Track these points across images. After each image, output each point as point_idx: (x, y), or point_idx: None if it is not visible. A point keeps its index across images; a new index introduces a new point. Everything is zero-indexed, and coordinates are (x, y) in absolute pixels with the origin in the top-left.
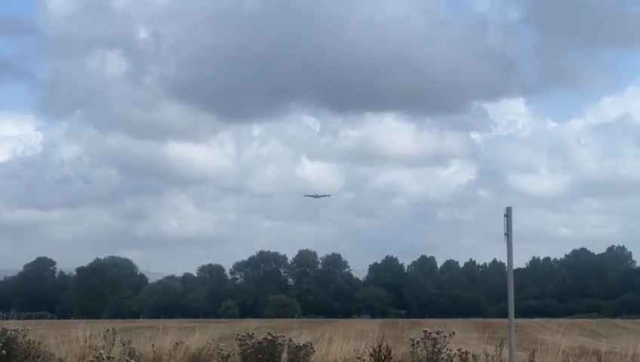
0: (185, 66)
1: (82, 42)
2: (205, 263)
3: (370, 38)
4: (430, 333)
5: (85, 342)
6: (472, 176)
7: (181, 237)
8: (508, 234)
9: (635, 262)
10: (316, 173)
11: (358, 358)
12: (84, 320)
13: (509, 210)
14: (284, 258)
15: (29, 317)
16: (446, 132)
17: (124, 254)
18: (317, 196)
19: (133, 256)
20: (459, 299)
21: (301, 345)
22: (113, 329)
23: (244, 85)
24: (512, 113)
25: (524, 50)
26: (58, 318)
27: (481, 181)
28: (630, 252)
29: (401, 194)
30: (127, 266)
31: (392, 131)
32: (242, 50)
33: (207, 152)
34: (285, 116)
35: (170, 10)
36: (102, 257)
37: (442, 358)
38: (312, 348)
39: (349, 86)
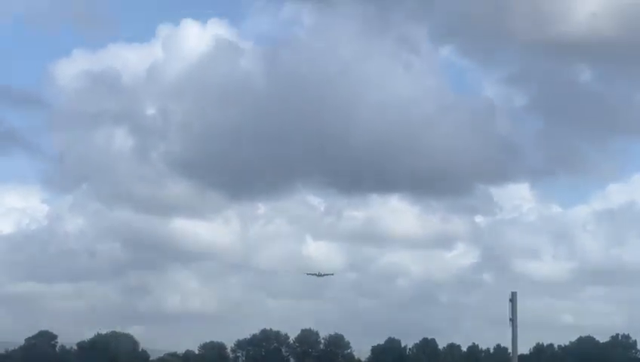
0: (191, 143)
1: (90, 116)
2: (207, 340)
3: (377, 120)
4: None
5: None
6: (475, 260)
7: (184, 313)
8: (513, 320)
9: (639, 351)
10: (320, 252)
11: None
12: None
13: (514, 294)
14: (286, 337)
15: None
16: (450, 215)
17: (126, 329)
18: (320, 275)
19: (135, 331)
20: None
21: None
22: None
23: (250, 163)
24: (518, 197)
25: (531, 136)
26: None
27: (485, 265)
28: (635, 341)
29: (404, 275)
30: (129, 342)
31: (397, 212)
32: (249, 129)
33: (212, 229)
34: (291, 195)
35: (179, 87)
36: (103, 332)
37: None
38: None
39: (355, 167)
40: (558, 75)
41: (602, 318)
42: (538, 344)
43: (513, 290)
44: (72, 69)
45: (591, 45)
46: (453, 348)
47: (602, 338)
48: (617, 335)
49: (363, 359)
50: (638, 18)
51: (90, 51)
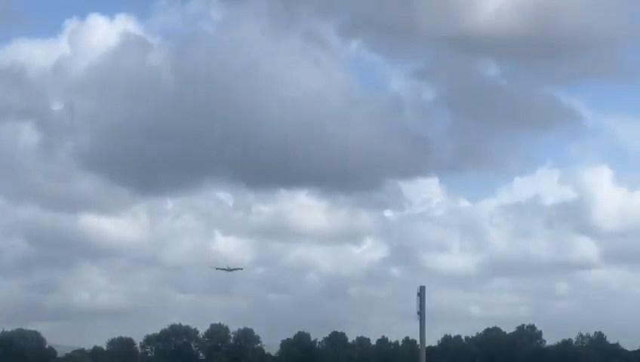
0: (99, 139)
1: None
2: (115, 336)
3: (285, 115)
4: None
5: None
6: (384, 254)
7: (92, 309)
8: (421, 313)
9: (544, 341)
10: (229, 247)
11: None
12: None
13: (422, 288)
14: (196, 332)
15: None
16: (359, 209)
17: (32, 326)
18: (229, 269)
19: (42, 328)
20: None
21: None
22: None
23: (158, 159)
24: (426, 191)
25: (439, 130)
26: None
27: (394, 259)
28: (540, 331)
29: (313, 270)
30: (35, 339)
31: (305, 207)
32: (157, 124)
33: (121, 225)
34: (199, 191)
35: (86, 83)
36: (8, 329)
37: None
38: None
39: (264, 162)
40: (466, 70)
41: (508, 309)
42: (446, 335)
43: (422, 284)
44: None
45: (497, 40)
46: (362, 341)
47: (509, 328)
48: (523, 325)
49: (273, 353)
50: (543, 14)
51: None
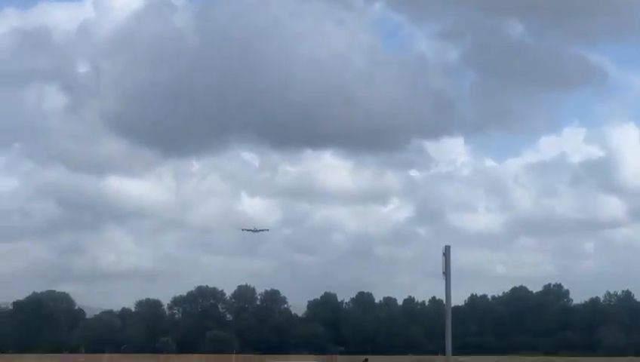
0: (125, 101)
1: (21, 75)
2: (143, 298)
3: (310, 76)
4: None
5: None
6: (410, 214)
7: (119, 271)
8: (446, 273)
9: (571, 300)
10: (255, 208)
11: None
12: (20, 355)
13: (447, 248)
14: (223, 293)
15: None
16: (385, 169)
17: (61, 288)
18: (255, 230)
19: (71, 290)
20: (397, 336)
21: None
22: None
23: (184, 120)
24: (452, 152)
25: (464, 90)
26: None
27: (420, 218)
28: (567, 290)
29: (339, 230)
30: (65, 300)
31: (331, 168)
32: (183, 86)
33: (147, 187)
34: (225, 152)
35: (111, 45)
36: (39, 291)
37: None
38: None
39: (289, 122)
40: (491, 29)
41: (535, 268)
42: (473, 295)
43: (447, 244)
44: (2, 27)
45: None
46: (389, 301)
47: (535, 288)
48: (550, 284)
49: (299, 314)
50: None
51: (21, 9)
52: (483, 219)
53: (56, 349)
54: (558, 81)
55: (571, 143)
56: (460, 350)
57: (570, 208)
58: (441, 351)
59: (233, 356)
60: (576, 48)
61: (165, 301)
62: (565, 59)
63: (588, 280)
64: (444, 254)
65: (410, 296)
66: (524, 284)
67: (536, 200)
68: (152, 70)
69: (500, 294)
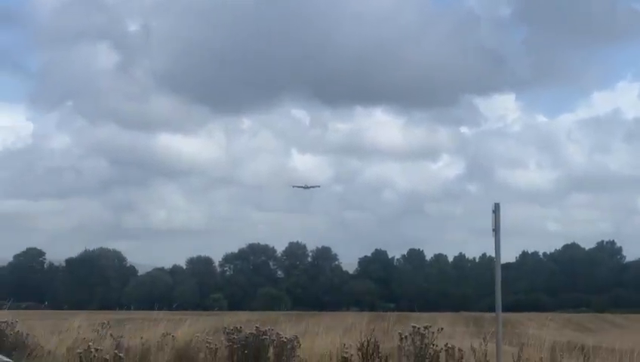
0: (175, 59)
1: (73, 34)
2: (194, 255)
3: (360, 32)
4: (418, 328)
5: (77, 333)
6: (461, 171)
7: (170, 228)
8: (496, 231)
9: (624, 257)
10: (306, 165)
11: (346, 352)
12: (73, 312)
13: (497, 206)
14: (274, 250)
15: (18, 308)
16: (436, 126)
17: (113, 245)
18: (306, 187)
19: (123, 247)
20: (448, 293)
21: (287, 339)
22: (108, 322)
23: (234, 77)
24: (503, 108)
25: (515, 46)
26: (48, 309)
27: (471, 175)
28: (620, 247)
29: (390, 187)
30: (116, 257)
31: (382, 124)
32: (233, 43)
33: (197, 144)
34: (275, 108)
35: (161, 3)
36: (91, 248)
37: (429, 353)
38: (297, 342)
39: (339, 79)
40: None
41: (587, 225)
42: (524, 252)
43: (498, 201)
44: None
45: None
46: (439, 258)
47: (588, 244)
48: (602, 241)
49: (350, 271)
50: None
51: None
52: (534, 175)
53: (108, 306)
54: (612, 35)
55: (625, 98)
56: (511, 307)
57: (623, 164)
58: (491, 308)
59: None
60: (629, 1)
61: (216, 258)
62: (619, 11)
63: None
64: (493, 211)
65: (460, 253)
66: (576, 241)
67: (589, 157)
68: (202, 27)
69: (552, 251)
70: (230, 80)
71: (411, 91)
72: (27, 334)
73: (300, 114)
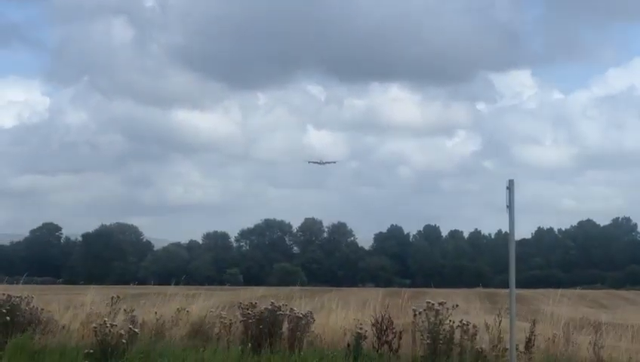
0: (191, 35)
1: (89, 9)
2: (210, 230)
3: (377, 9)
4: (433, 304)
5: (90, 308)
6: (477, 147)
7: (186, 204)
8: (510, 207)
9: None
10: (322, 141)
11: (359, 328)
12: (89, 286)
13: (511, 182)
14: (290, 226)
15: (34, 283)
16: (451, 102)
17: (129, 220)
18: (322, 163)
19: (139, 222)
20: (463, 269)
21: (301, 315)
22: (118, 296)
23: (250, 54)
24: (519, 84)
25: (531, 22)
26: (63, 284)
27: (486, 151)
28: (635, 223)
29: (405, 163)
30: (133, 232)
31: (398, 101)
32: (249, 20)
33: (213, 120)
34: (291, 85)
35: None
36: (107, 223)
37: (444, 329)
38: (312, 318)
39: (355, 55)
40: None
41: (603, 202)
42: (539, 228)
43: (513, 177)
44: None
45: None
46: (455, 234)
47: (603, 221)
48: (618, 218)
49: (366, 247)
50: None
51: None
52: (550, 152)
53: (124, 281)
54: (627, 11)
55: None
56: (525, 283)
57: (638, 141)
58: (507, 284)
59: (296, 288)
60: None
61: (232, 233)
62: None
63: None
64: (507, 188)
65: (476, 229)
66: (591, 218)
67: (605, 133)
68: (219, 3)
69: (567, 227)
70: (246, 56)
71: (427, 67)
72: (42, 309)
73: (315, 90)
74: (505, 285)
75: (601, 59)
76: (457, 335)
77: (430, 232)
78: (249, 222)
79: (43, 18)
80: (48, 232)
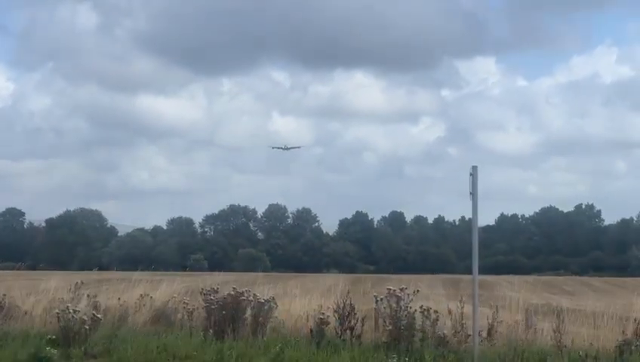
0: (156, 19)
1: None
2: (175, 216)
3: None
4: (394, 291)
5: (53, 294)
6: (441, 133)
7: (151, 189)
8: (473, 193)
9: (603, 220)
10: (286, 127)
11: (322, 314)
12: (52, 272)
13: (474, 168)
14: (254, 212)
15: None
16: (416, 88)
17: (94, 206)
18: (286, 148)
19: (103, 207)
20: (428, 255)
21: (264, 300)
22: (81, 282)
23: (214, 39)
24: (483, 71)
25: (496, 9)
26: (27, 269)
27: (451, 138)
28: (599, 210)
29: (370, 150)
30: (97, 218)
31: (362, 87)
32: (214, 5)
33: (178, 105)
34: (256, 70)
35: None
36: (71, 209)
37: (404, 315)
38: (275, 304)
39: (320, 41)
40: None
41: (566, 188)
42: (503, 214)
43: (478, 164)
44: None
45: None
46: (419, 220)
47: (566, 207)
48: (581, 204)
49: (331, 233)
50: None
51: None
52: (514, 138)
53: (88, 266)
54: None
55: (603, 62)
56: (489, 269)
57: (602, 128)
58: (471, 270)
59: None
60: None
61: (197, 219)
62: None
63: (620, 200)
64: (471, 174)
65: (440, 215)
66: (554, 204)
67: (568, 120)
68: None
69: (531, 214)
70: (211, 42)
71: (392, 54)
72: (4, 295)
73: (280, 76)
74: (469, 271)
75: (565, 46)
76: (419, 321)
77: (395, 218)
78: (214, 208)
79: (7, 2)
80: (12, 217)
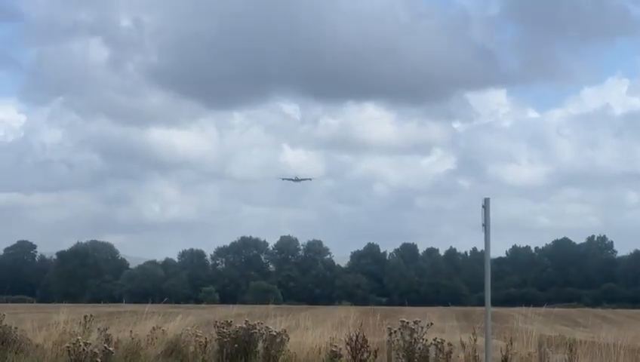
0: (167, 53)
1: (65, 29)
2: (186, 248)
3: (352, 28)
4: (407, 323)
5: (63, 327)
6: (452, 165)
7: (162, 222)
8: (485, 225)
9: (615, 251)
10: (297, 160)
11: (334, 346)
12: (63, 305)
13: (486, 201)
14: (266, 244)
15: (7, 301)
16: (427, 121)
17: (105, 238)
18: (297, 179)
19: (115, 240)
20: (440, 287)
21: (276, 333)
22: (91, 315)
23: (225, 72)
24: (494, 103)
25: (507, 41)
26: (38, 302)
27: (462, 170)
28: (611, 242)
29: (382, 181)
30: (108, 250)
31: (373, 119)
32: (224, 38)
33: (189, 138)
34: (266, 103)
35: None
36: (83, 241)
37: (418, 348)
38: (286, 336)
39: (331, 74)
40: None
41: (578, 220)
42: (515, 246)
43: (489, 195)
44: None
45: None
46: (431, 252)
47: (579, 239)
48: (593, 236)
49: (342, 265)
50: None
51: None
52: (525, 170)
53: (100, 299)
54: (601, 32)
55: (614, 94)
56: (501, 301)
57: (613, 160)
58: (483, 302)
59: (272, 306)
60: None
61: (208, 251)
62: (608, 9)
63: (632, 231)
64: (483, 207)
65: (452, 247)
66: (567, 236)
67: (579, 152)
68: (194, 22)
69: (543, 246)
70: (222, 75)
71: (403, 87)
72: (15, 328)
73: (291, 109)
74: (481, 303)
75: (575, 78)
76: (432, 353)
77: (407, 250)
78: (225, 240)
79: (19, 37)
80: (23, 250)
